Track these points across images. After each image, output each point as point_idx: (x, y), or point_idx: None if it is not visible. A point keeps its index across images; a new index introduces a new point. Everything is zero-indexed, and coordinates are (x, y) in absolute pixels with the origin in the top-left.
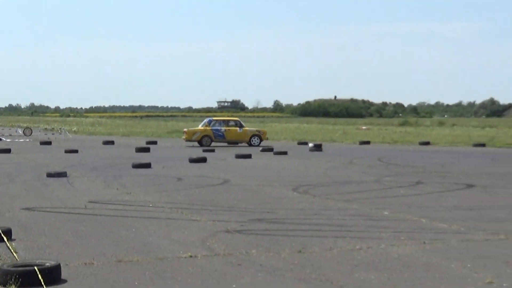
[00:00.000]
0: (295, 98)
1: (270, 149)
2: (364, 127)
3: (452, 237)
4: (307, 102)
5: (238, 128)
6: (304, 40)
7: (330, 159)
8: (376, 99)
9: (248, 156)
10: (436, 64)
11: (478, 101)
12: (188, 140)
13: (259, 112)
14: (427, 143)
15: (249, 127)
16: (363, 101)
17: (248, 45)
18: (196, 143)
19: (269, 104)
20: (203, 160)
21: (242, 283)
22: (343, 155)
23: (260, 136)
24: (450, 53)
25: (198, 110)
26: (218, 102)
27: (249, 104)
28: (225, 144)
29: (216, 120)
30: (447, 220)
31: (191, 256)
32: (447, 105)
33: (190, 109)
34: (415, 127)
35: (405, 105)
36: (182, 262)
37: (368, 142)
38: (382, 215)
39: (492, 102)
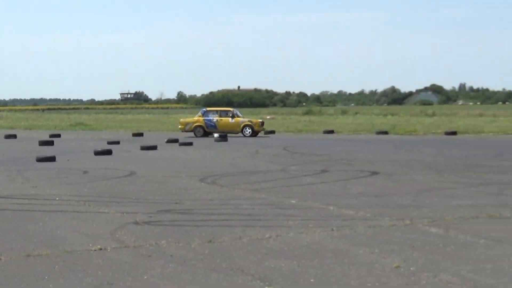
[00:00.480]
0: (199, 88)
1: (175, 140)
2: (268, 117)
3: (359, 223)
4: (211, 93)
5: (230, 119)
6: (206, 30)
7: (236, 149)
8: (280, 88)
9: (154, 148)
10: (338, 53)
11: (380, 89)
12: (183, 130)
13: (163, 104)
14: (331, 132)
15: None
16: (267, 91)
17: (150, 36)
18: (192, 134)
19: (173, 95)
20: (108, 152)
21: (153, 274)
22: (249, 145)
23: (252, 126)
24: (351, 42)
25: (101, 102)
26: (121, 94)
27: (153, 96)
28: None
29: (210, 110)
30: (354, 207)
31: (100, 249)
32: (350, 94)
33: (92, 101)
34: (319, 116)
35: (308, 94)
36: (92, 254)
37: (273, 132)
38: (290, 204)
39: (393, 90)
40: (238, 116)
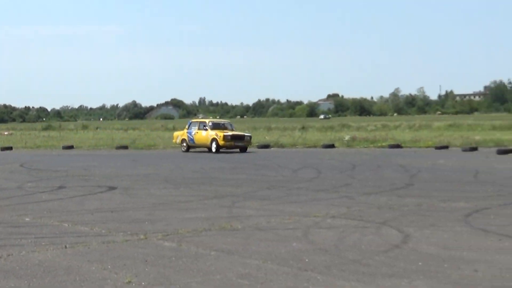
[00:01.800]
0: None
1: None
2: (6, 133)
3: (93, 239)
4: None
5: (203, 131)
6: None
7: None
8: (19, 103)
9: None
10: (77, 67)
11: (121, 104)
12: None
13: None
14: (71, 147)
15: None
16: (5, 106)
17: None
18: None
19: None
20: None
21: None
22: None
23: (217, 140)
24: (91, 56)
25: None
26: None
27: None
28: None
29: (193, 121)
30: (89, 223)
31: None
32: (91, 109)
33: None
34: (59, 131)
35: (49, 109)
36: None
37: (10, 148)
38: (24, 222)
39: (135, 104)
40: (214, 129)
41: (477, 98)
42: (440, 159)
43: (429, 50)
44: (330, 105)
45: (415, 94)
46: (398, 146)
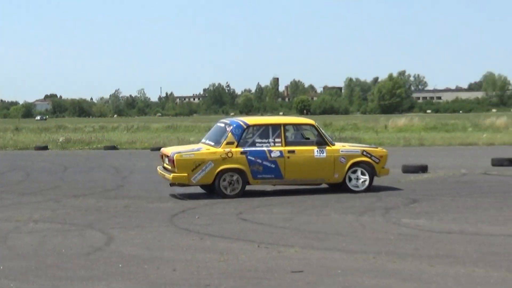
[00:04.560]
0: None
1: None
2: None
3: None
4: None
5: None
6: None
7: None
8: None
9: None
10: None
11: None
12: None
13: None
14: None
15: None
16: None
17: None
18: None
19: None
20: None
21: None
22: None
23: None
24: None
25: None
26: None
27: None
28: None
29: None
30: None
31: None
32: None
33: None
34: None
35: None
36: None
37: None
38: None
39: None
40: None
41: (196, 100)
42: (156, 160)
43: (149, 52)
44: (48, 105)
45: (136, 96)
46: (114, 147)
